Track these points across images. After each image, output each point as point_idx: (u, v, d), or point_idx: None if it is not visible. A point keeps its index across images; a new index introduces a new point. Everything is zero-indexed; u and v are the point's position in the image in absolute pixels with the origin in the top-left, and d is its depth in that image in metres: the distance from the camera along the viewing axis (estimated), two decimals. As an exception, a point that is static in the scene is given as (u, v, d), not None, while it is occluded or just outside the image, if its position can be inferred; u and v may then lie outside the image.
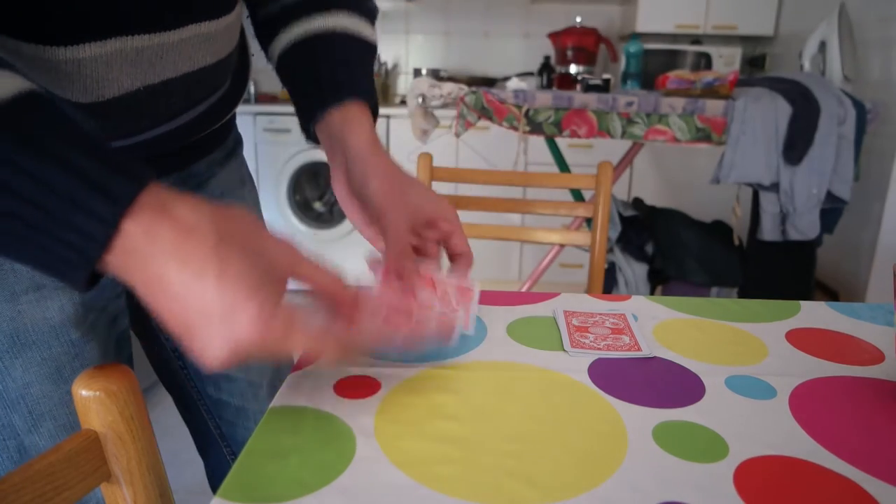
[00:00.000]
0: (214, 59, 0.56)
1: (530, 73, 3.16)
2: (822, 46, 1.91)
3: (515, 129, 1.69)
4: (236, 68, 0.65)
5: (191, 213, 0.36)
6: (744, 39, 3.02)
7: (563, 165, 2.12)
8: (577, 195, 2.03)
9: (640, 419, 0.44)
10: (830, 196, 1.63)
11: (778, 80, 1.74)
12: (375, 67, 3.21)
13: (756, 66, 3.01)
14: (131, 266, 0.37)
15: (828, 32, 1.89)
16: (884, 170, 2.01)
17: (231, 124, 0.72)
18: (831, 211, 1.68)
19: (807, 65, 1.97)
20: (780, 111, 1.59)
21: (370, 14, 0.66)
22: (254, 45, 0.70)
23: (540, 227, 1.22)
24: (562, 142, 2.15)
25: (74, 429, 0.57)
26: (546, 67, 3.09)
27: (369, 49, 0.65)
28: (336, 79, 0.60)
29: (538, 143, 2.29)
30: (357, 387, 0.48)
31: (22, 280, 0.51)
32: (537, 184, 1.21)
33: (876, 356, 0.55)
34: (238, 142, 0.75)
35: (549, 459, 0.40)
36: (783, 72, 2.64)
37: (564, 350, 0.55)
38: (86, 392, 0.42)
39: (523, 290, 1.71)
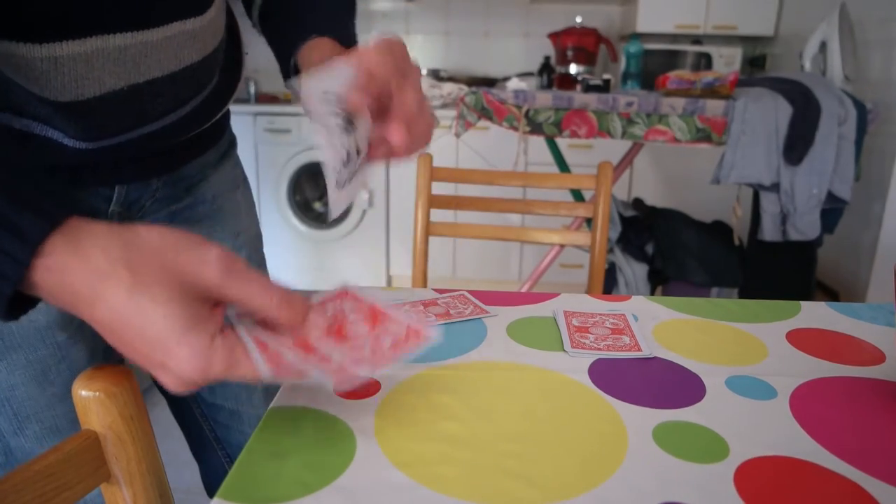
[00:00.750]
0: (200, 56, 0.55)
1: (530, 74, 3.16)
2: (823, 46, 1.91)
3: (515, 129, 1.69)
4: (226, 65, 0.64)
5: (102, 257, 0.35)
6: (744, 39, 3.02)
7: (563, 165, 2.12)
8: (577, 195, 2.03)
9: (640, 419, 0.44)
10: (831, 196, 1.63)
11: (778, 81, 1.74)
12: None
13: (756, 66, 3.01)
14: (55, 300, 0.36)
15: (828, 32, 1.89)
16: (884, 170, 2.01)
17: (224, 124, 0.71)
18: (832, 211, 1.68)
19: (807, 65, 1.97)
20: (780, 111, 1.59)
21: None
22: (249, 45, 0.70)
23: (540, 228, 1.22)
24: (562, 142, 2.15)
25: (61, 431, 0.57)
26: (546, 67, 3.08)
27: None
28: (301, 19, 0.57)
29: (538, 143, 2.29)
30: (357, 387, 0.48)
31: None
32: (537, 184, 1.21)
33: (876, 356, 0.55)
34: (232, 143, 0.74)
35: (549, 459, 0.39)
36: (784, 72, 2.64)
37: (564, 350, 0.55)
38: (85, 392, 0.42)
39: (523, 290, 1.70)
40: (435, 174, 1.19)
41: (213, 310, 0.37)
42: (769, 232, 1.67)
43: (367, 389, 0.48)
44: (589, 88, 1.99)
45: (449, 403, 0.46)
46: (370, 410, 0.45)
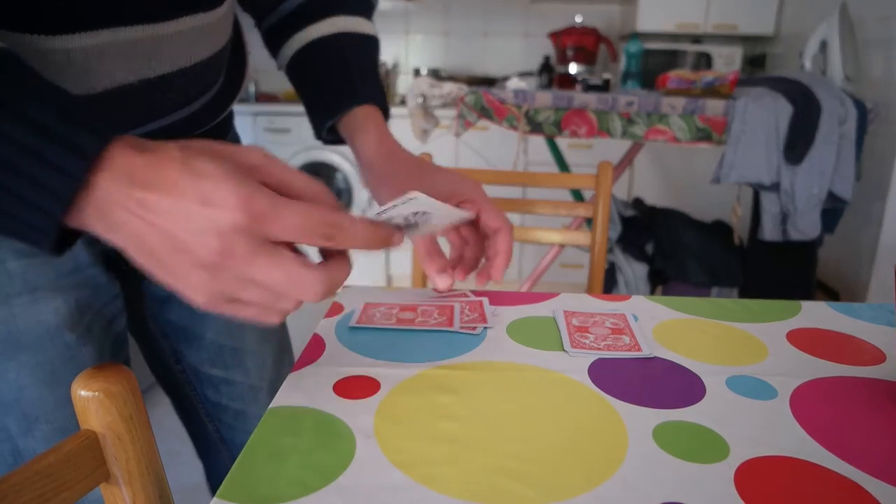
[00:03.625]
0: (210, 53, 0.56)
1: (530, 73, 3.16)
2: (823, 46, 1.91)
3: (515, 129, 1.69)
4: (232, 64, 0.65)
5: (156, 145, 0.34)
6: (744, 39, 3.02)
7: (563, 165, 2.12)
8: (577, 195, 2.03)
9: (640, 419, 0.44)
10: (831, 196, 1.63)
11: (779, 80, 1.74)
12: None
13: (756, 65, 3.01)
14: (103, 219, 0.34)
15: (829, 32, 1.89)
16: (885, 170, 2.01)
17: (228, 124, 0.71)
18: (832, 211, 1.68)
19: (808, 64, 1.97)
20: (780, 111, 1.59)
21: (367, 9, 0.67)
22: (251, 44, 0.70)
23: (540, 227, 1.22)
24: (562, 142, 2.15)
25: (70, 432, 0.56)
26: (546, 67, 3.08)
27: (371, 43, 0.66)
28: (339, 86, 0.61)
29: (538, 143, 2.29)
30: (357, 387, 0.48)
31: (15, 283, 0.51)
32: (537, 184, 1.21)
33: (876, 356, 0.55)
34: (236, 143, 0.74)
35: (549, 459, 0.39)
36: (784, 71, 2.63)
37: (564, 350, 0.55)
38: (85, 392, 0.42)
39: (523, 290, 1.71)
40: (435, 174, 1.19)
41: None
42: (769, 232, 1.67)
43: (367, 389, 0.48)
44: (589, 88, 1.99)
45: (448, 403, 0.46)
46: (370, 410, 0.45)
